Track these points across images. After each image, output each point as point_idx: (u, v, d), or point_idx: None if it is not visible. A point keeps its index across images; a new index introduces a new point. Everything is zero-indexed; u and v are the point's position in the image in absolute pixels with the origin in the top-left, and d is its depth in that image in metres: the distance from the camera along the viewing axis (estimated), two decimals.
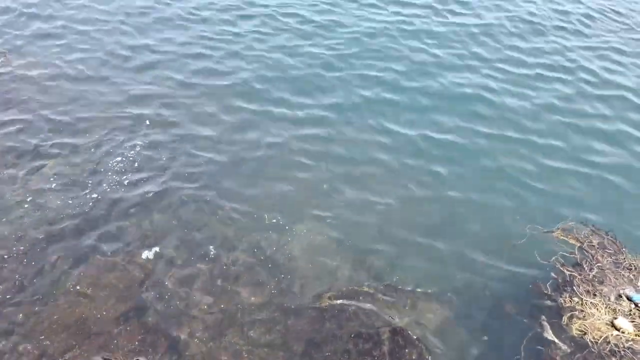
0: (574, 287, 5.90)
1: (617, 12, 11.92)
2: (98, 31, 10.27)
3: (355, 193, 7.50)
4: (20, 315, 5.71)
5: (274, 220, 7.06)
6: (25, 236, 6.54)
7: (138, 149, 7.83)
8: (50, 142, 7.82)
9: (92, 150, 7.79)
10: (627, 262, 6.35)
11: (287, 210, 7.21)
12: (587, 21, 11.48)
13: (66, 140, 7.88)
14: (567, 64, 10.16)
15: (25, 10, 10.69)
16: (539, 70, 9.97)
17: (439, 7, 11.65)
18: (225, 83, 9.25)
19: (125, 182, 7.34)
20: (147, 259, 6.45)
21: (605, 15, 11.73)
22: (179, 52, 9.95)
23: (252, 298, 6.17)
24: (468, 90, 9.34)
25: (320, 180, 7.66)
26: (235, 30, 10.63)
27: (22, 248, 6.40)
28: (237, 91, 9.10)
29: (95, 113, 8.44)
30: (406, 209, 7.34)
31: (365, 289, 6.42)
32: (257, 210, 7.19)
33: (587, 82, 9.78)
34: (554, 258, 6.32)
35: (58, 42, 9.93)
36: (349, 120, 8.62)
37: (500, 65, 10.01)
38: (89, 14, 10.73)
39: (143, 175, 7.47)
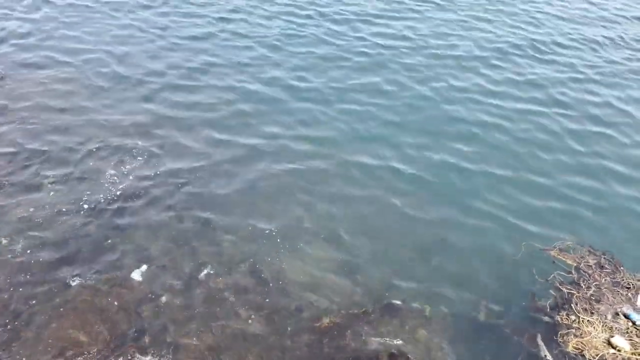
0: (571, 305, 5.89)
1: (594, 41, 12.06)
2: (83, 61, 10.43)
3: (352, 214, 7.55)
4: (15, 343, 5.68)
5: (271, 242, 7.10)
6: (18, 262, 6.61)
7: (126, 175, 7.88)
8: (39, 172, 7.90)
9: (81, 176, 7.87)
10: (625, 280, 6.34)
11: (284, 232, 7.26)
12: (565, 50, 11.60)
13: (54, 170, 7.95)
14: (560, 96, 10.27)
15: (12, 40, 10.97)
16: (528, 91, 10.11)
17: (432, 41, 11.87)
18: (211, 114, 9.31)
19: (115, 208, 7.40)
20: (141, 282, 6.47)
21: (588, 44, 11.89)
22: (165, 83, 10.03)
23: (249, 320, 6.17)
24: (464, 117, 9.43)
25: (317, 203, 7.71)
26: (222, 61, 10.66)
27: (17, 274, 6.47)
28: (228, 121, 9.14)
29: (82, 140, 8.56)
30: (403, 230, 7.36)
31: (363, 310, 6.41)
32: (254, 231, 7.24)
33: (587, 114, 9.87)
34: (551, 276, 6.34)
35: (42, 72, 10.09)
36: (344, 148, 8.68)
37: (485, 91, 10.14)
38: (74, 44, 10.93)
39: (132, 202, 7.51)
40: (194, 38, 11.31)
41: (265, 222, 7.37)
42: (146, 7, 12.17)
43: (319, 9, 12.50)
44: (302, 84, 9.88)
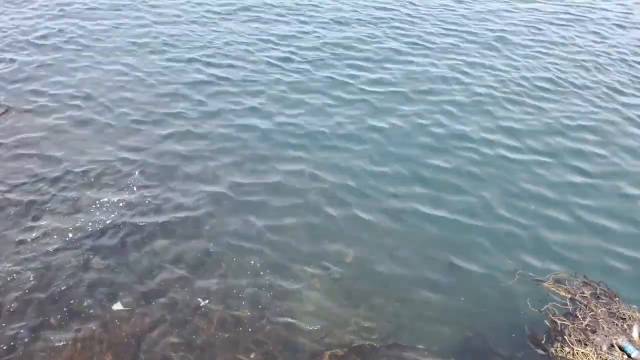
0: (565, 337, 5.82)
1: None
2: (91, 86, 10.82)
3: (356, 245, 7.49)
4: None
5: (270, 272, 7.04)
6: (17, 292, 6.60)
7: (128, 199, 7.96)
8: (43, 195, 8.02)
9: (83, 200, 7.94)
10: (620, 311, 6.27)
11: (285, 262, 7.20)
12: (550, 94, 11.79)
13: (60, 192, 8.08)
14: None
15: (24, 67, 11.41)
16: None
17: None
18: (205, 143, 9.40)
19: (116, 233, 7.41)
20: (138, 313, 6.41)
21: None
22: (163, 112, 10.17)
23: (251, 355, 6.03)
24: (465, 145, 9.52)
25: (318, 232, 7.68)
26: (215, 108, 10.52)
27: (15, 304, 6.47)
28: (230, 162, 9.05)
29: (87, 160, 8.76)
30: (396, 261, 7.33)
31: (367, 346, 6.27)
32: (251, 259, 7.19)
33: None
34: (545, 307, 6.29)
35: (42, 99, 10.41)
36: (345, 173, 8.77)
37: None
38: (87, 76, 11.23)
39: (133, 226, 7.53)
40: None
41: (263, 252, 7.34)
42: (151, 52, 12.45)
43: (304, 52, 12.77)
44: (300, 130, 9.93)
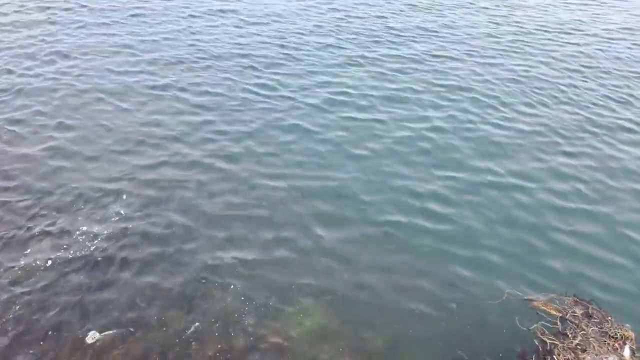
0: (554, 356, 5.66)
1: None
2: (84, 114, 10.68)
3: (351, 272, 7.36)
4: None
5: (267, 301, 6.87)
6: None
7: (108, 230, 7.85)
8: (33, 223, 7.91)
9: (64, 230, 7.82)
10: (612, 330, 6.12)
11: (277, 288, 7.06)
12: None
13: (48, 219, 7.97)
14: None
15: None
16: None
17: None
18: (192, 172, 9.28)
19: (106, 259, 7.32)
20: (133, 341, 6.26)
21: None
22: (142, 141, 10.04)
23: None
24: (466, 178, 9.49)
25: (315, 261, 7.53)
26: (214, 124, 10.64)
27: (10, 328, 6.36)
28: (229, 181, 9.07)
29: (74, 188, 8.63)
30: (388, 284, 7.20)
31: None
32: (247, 289, 7.03)
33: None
34: (534, 326, 6.14)
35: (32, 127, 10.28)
36: (344, 203, 8.66)
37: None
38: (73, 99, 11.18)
39: (122, 253, 7.43)
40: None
41: (254, 278, 7.23)
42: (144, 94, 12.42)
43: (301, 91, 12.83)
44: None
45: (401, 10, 17.01)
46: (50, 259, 7.29)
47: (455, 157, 9.73)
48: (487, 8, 17.73)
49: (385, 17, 16.38)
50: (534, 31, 15.90)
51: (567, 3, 18.61)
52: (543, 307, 6.56)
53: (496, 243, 7.86)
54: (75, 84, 11.88)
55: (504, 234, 8.01)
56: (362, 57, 13.62)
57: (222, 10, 16.28)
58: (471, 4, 18.07)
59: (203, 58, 13.32)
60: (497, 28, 15.99)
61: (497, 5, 18.08)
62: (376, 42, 14.63)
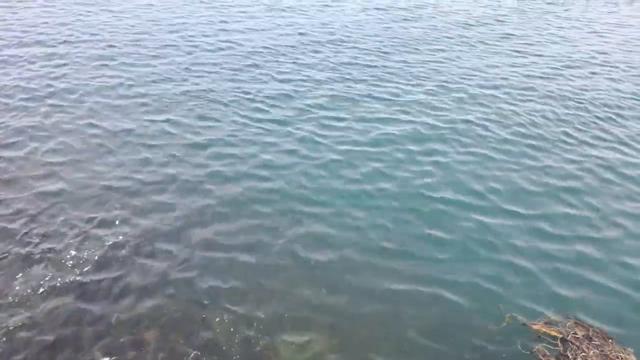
0: None
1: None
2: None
3: (348, 300, 7.30)
4: None
5: (263, 326, 6.82)
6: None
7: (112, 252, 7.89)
8: (23, 249, 7.92)
9: (65, 249, 7.85)
10: (614, 353, 6.10)
11: (277, 313, 7.02)
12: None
13: (39, 245, 7.95)
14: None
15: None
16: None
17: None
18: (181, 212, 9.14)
19: (99, 286, 7.29)
20: None
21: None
22: (150, 161, 10.15)
23: None
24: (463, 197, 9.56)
25: (311, 288, 7.47)
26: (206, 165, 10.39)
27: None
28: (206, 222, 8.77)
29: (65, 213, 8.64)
30: (389, 308, 7.17)
31: None
32: (243, 313, 7.00)
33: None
34: (535, 348, 6.11)
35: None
36: (338, 225, 8.68)
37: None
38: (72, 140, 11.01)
39: (116, 281, 7.41)
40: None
41: (259, 306, 7.17)
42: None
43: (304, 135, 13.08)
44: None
45: (391, 45, 17.44)
46: (41, 286, 7.28)
47: (452, 181, 9.82)
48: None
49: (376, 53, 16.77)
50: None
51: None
52: (544, 330, 6.54)
53: (495, 268, 7.84)
54: (73, 112, 12.11)
55: (501, 260, 8.00)
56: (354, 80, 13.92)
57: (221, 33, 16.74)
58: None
59: (197, 85, 13.64)
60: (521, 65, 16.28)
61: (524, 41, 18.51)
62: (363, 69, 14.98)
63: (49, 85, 13.39)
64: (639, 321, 6.99)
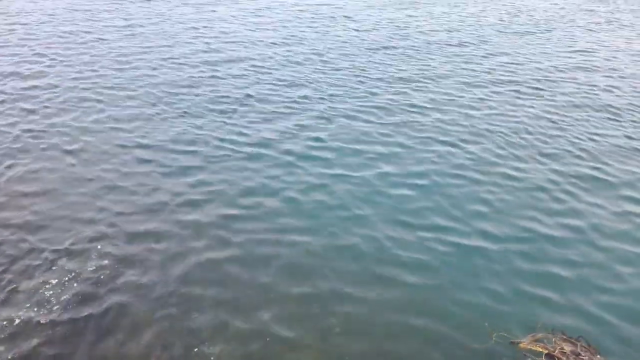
0: None
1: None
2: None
3: (343, 319, 7.19)
4: None
5: (262, 336, 6.78)
6: None
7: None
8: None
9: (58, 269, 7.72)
10: None
11: (274, 327, 6.95)
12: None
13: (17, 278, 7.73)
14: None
15: None
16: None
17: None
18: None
19: (95, 312, 7.10)
20: None
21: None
22: (127, 189, 9.95)
23: None
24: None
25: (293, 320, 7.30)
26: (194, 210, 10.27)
27: None
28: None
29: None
30: (376, 328, 7.00)
31: None
32: (244, 321, 6.96)
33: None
34: None
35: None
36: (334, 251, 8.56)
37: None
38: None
39: (102, 316, 7.15)
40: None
41: (259, 321, 7.10)
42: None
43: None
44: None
45: (381, 60, 17.55)
46: (24, 321, 7.03)
47: (435, 205, 9.68)
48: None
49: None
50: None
51: None
52: (531, 347, 6.39)
53: (480, 288, 7.71)
54: (49, 139, 11.93)
55: (486, 279, 7.87)
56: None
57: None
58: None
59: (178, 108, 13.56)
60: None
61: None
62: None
63: (23, 109, 13.30)
64: (627, 335, 6.88)
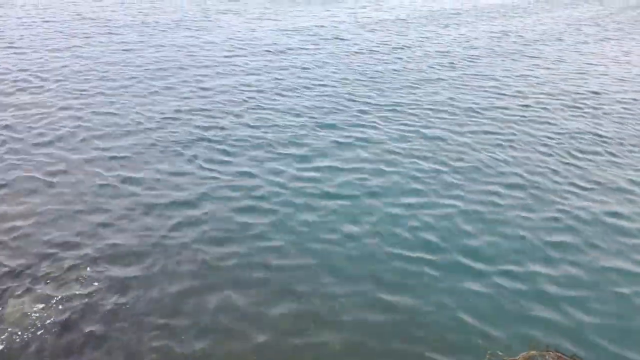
0: None
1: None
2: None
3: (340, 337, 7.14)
4: None
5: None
6: None
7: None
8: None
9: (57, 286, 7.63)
10: None
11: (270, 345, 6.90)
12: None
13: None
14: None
15: None
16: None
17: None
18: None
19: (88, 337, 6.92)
20: None
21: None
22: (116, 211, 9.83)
23: None
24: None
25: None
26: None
27: None
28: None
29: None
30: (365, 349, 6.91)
31: None
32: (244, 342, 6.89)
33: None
34: None
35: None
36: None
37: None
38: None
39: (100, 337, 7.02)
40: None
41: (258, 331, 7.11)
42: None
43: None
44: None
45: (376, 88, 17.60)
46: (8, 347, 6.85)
47: (436, 227, 9.62)
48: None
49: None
50: None
51: None
52: None
53: (475, 305, 7.67)
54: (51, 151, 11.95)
55: (481, 296, 7.85)
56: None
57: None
58: None
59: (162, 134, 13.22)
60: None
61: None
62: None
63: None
64: (622, 353, 6.85)
